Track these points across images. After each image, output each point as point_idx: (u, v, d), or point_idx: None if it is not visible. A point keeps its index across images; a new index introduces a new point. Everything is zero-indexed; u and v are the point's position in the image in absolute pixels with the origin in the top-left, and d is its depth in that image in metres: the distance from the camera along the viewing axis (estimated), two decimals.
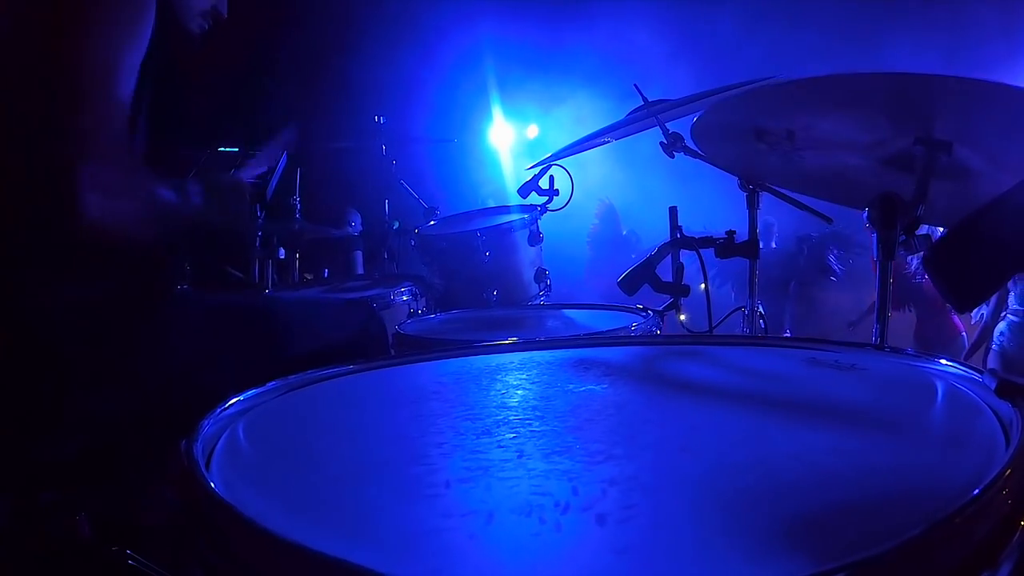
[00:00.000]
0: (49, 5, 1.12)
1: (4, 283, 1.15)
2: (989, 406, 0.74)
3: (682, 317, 1.89)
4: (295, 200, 4.35)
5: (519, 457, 0.68)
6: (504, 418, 0.81)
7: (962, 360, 0.92)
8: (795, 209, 1.84)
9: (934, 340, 4.89)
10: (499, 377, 1.02)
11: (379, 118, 4.15)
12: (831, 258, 5.57)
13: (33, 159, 1.11)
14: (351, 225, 5.05)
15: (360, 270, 4.79)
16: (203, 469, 0.63)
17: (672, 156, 1.91)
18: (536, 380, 0.99)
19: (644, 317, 1.73)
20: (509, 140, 7.46)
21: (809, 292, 5.59)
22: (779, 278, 5.07)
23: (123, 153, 1.18)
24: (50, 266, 1.18)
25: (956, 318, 4.95)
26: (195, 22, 1.39)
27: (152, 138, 1.30)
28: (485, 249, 2.56)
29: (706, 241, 1.81)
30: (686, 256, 1.85)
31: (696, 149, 1.76)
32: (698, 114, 1.55)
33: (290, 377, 1.00)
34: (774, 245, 6.46)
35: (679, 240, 1.82)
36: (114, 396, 1.21)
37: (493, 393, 0.94)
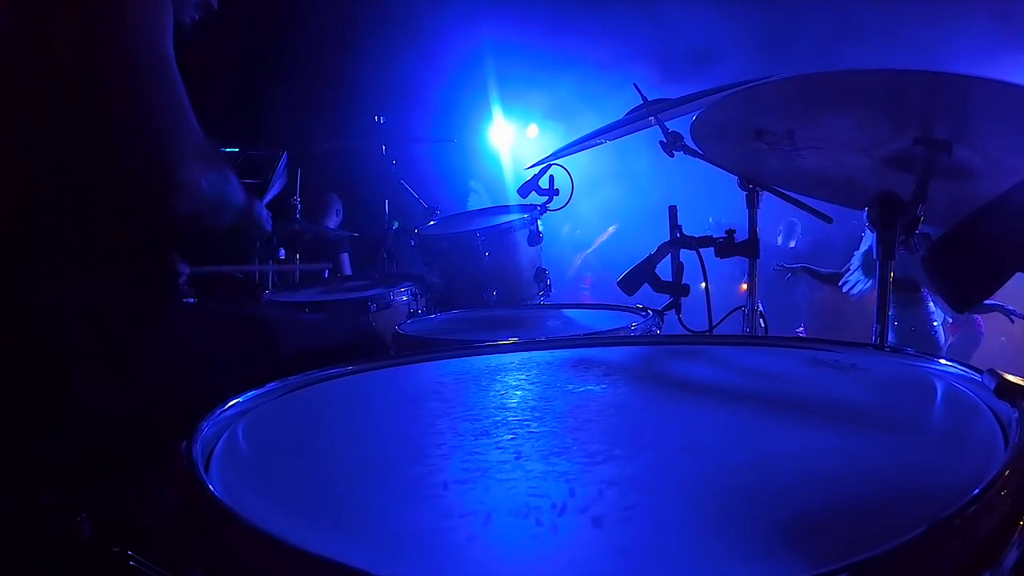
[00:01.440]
0: None
1: (6, 282, 1.15)
2: (988, 406, 0.74)
3: (679, 317, 1.88)
4: (295, 200, 4.35)
5: (517, 458, 0.68)
6: (503, 419, 0.81)
7: None
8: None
9: None
10: (499, 377, 1.02)
11: (379, 118, 4.14)
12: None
13: (125, 133, 1.09)
14: (336, 215, 5.07)
15: (348, 271, 4.81)
16: (202, 470, 0.64)
17: (672, 155, 1.91)
18: (536, 380, 0.99)
19: (644, 317, 1.72)
20: (509, 140, 7.46)
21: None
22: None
23: (199, 130, 1.16)
24: (54, 266, 1.18)
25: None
26: (187, 13, 1.38)
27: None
28: (485, 249, 2.56)
29: (706, 240, 1.81)
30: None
31: (696, 148, 1.76)
32: (697, 113, 1.54)
33: (290, 378, 1.00)
34: (792, 244, 6.49)
35: (679, 240, 1.82)
36: (115, 396, 1.21)
37: (492, 393, 0.94)
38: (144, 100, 1.09)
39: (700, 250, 1.81)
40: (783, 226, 6.67)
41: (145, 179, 1.12)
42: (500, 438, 0.74)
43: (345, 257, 5.00)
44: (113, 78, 1.09)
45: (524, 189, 2.67)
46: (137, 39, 1.10)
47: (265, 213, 1.45)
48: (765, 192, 1.82)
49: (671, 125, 1.94)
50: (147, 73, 1.09)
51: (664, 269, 1.83)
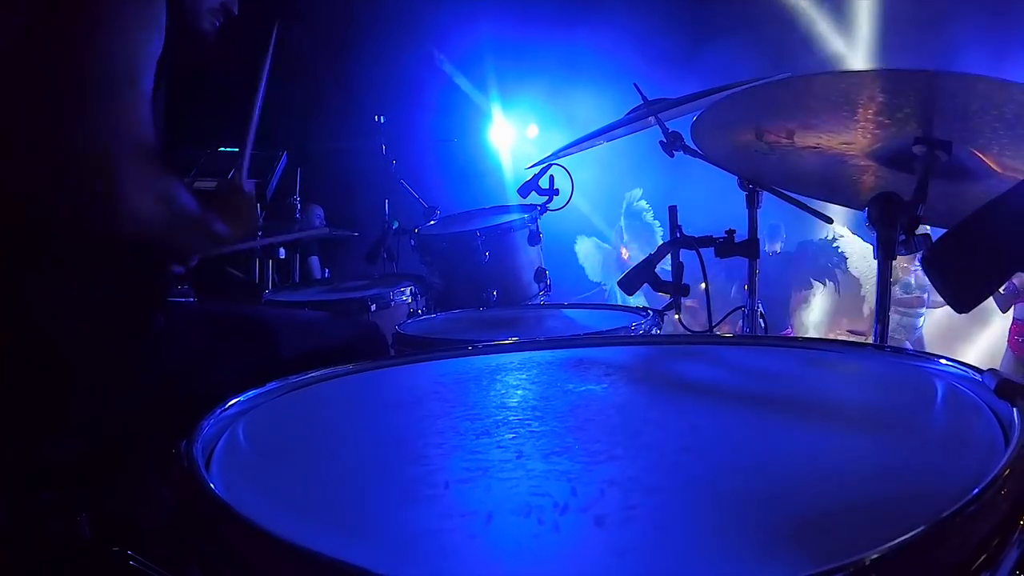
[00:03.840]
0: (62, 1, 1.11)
1: (8, 283, 1.15)
2: (988, 406, 0.74)
3: (677, 316, 1.88)
4: (295, 200, 4.35)
5: (518, 457, 0.68)
6: (504, 418, 0.81)
7: None
8: (797, 212, 1.84)
9: None
10: (499, 377, 1.02)
11: (379, 118, 4.15)
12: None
13: (67, 155, 1.09)
14: (318, 221, 5.08)
15: (317, 274, 4.84)
16: (203, 470, 0.64)
17: (672, 155, 1.91)
18: (536, 380, 0.99)
19: (644, 317, 1.73)
20: (509, 140, 7.46)
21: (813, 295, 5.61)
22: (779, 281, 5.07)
23: (153, 149, 1.16)
24: (54, 266, 1.18)
25: None
26: (206, 20, 1.38)
27: (161, 138, 1.30)
28: (485, 249, 2.56)
29: (706, 240, 1.81)
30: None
31: (696, 148, 1.76)
32: (698, 113, 1.55)
33: (290, 378, 1.00)
34: (778, 249, 6.47)
35: (679, 240, 1.82)
36: (115, 396, 1.21)
37: (493, 393, 0.94)
38: (91, 120, 1.09)
39: (700, 250, 1.81)
40: (766, 230, 6.57)
41: (91, 203, 1.12)
42: (501, 437, 0.74)
43: (314, 260, 5.03)
44: (69, 87, 1.09)
45: (524, 189, 2.67)
46: (99, 50, 1.10)
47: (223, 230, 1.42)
48: (747, 194, 1.82)
49: (671, 125, 1.94)
50: (100, 87, 1.09)
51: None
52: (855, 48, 6.39)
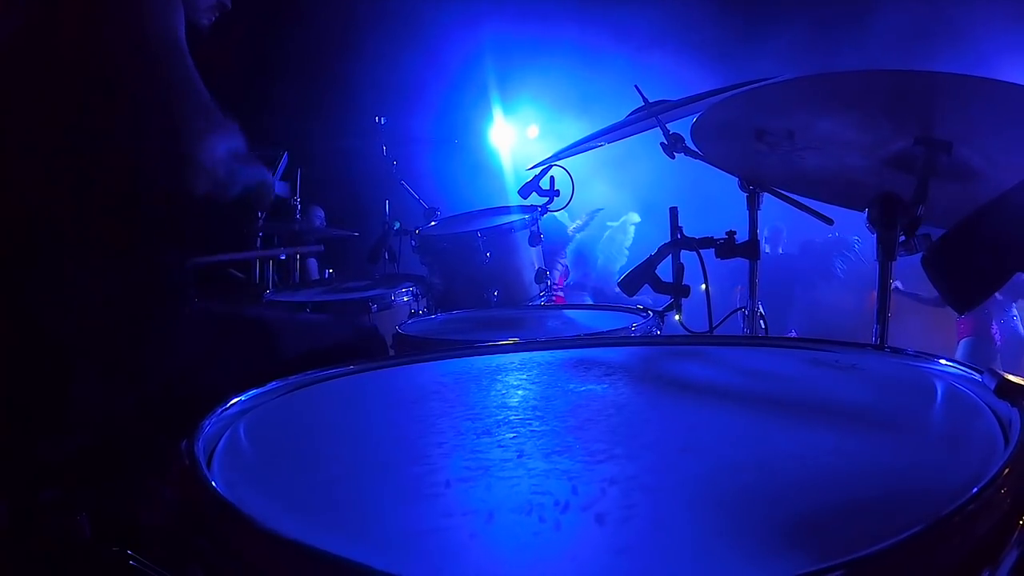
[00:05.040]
0: None
1: (8, 282, 1.15)
2: (988, 406, 0.74)
3: (677, 317, 1.89)
4: (295, 200, 4.35)
5: (519, 457, 0.68)
6: (504, 418, 0.81)
7: None
8: (798, 215, 1.84)
9: None
10: (500, 377, 1.02)
11: (380, 118, 4.15)
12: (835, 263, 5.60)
13: (136, 119, 1.10)
14: (319, 221, 5.09)
15: (315, 275, 4.84)
16: (204, 469, 0.64)
17: (672, 157, 1.91)
18: (536, 380, 1.00)
19: (644, 317, 1.73)
20: (510, 140, 7.46)
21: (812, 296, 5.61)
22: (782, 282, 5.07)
23: (209, 104, 1.17)
24: (57, 266, 1.18)
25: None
26: (204, 16, 1.39)
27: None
28: (486, 249, 2.56)
29: (706, 241, 1.81)
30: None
31: (696, 150, 1.76)
32: (698, 114, 1.55)
33: (291, 377, 1.01)
34: (781, 251, 6.46)
35: (679, 240, 1.82)
36: (117, 395, 1.21)
37: (493, 393, 0.94)
38: (156, 83, 1.10)
39: (700, 251, 1.81)
40: (768, 233, 6.52)
41: (160, 162, 1.12)
42: (502, 437, 0.74)
43: (312, 262, 5.03)
44: (123, 62, 1.09)
45: (525, 190, 2.67)
46: (148, 23, 1.10)
47: (274, 181, 1.45)
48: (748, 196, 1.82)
49: (672, 127, 1.94)
50: (159, 55, 1.10)
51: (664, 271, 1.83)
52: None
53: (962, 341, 5.38)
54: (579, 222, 5.85)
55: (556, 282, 4.89)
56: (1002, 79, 1.05)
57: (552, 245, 4.78)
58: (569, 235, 5.20)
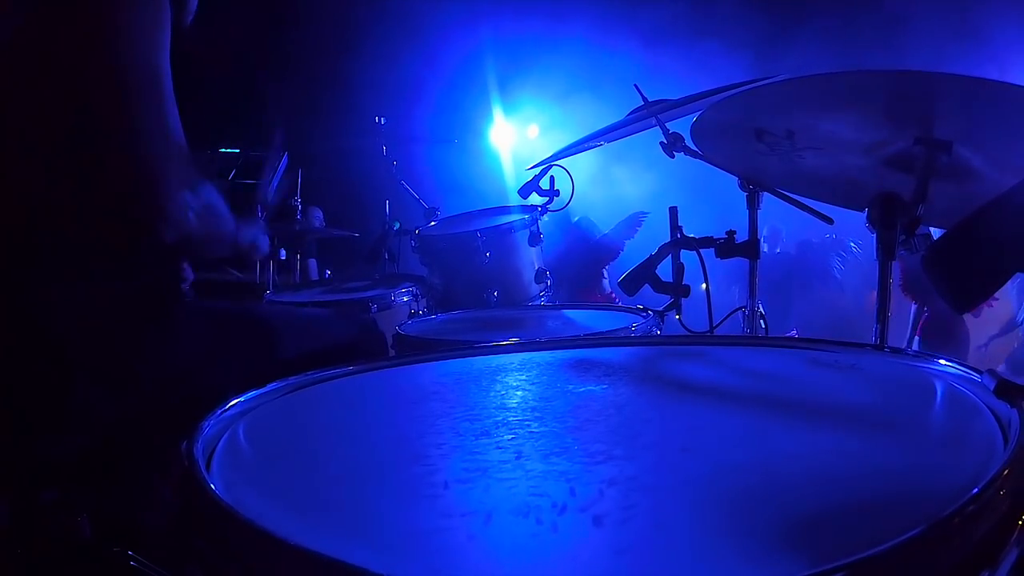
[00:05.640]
0: (79, 8, 1.10)
1: (11, 282, 1.15)
2: (987, 406, 0.74)
3: (677, 317, 1.89)
4: (296, 200, 4.36)
5: (517, 458, 0.68)
6: (503, 419, 0.81)
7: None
8: (796, 215, 1.84)
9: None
10: (499, 378, 1.02)
11: (380, 118, 4.15)
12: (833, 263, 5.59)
13: (110, 159, 1.08)
14: (317, 222, 5.10)
15: (315, 276, 4.85)
16: (203, 470, 0.64)
17: (672, 156, 1.91)
18: (536, 381, 1.00)
19: (644, 317, 1.73)
20: (510, 140, 7.46)
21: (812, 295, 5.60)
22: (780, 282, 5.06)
23: (184, 150, 1.16)
24: (57, 266, 1.18)
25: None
26: (190, 16, 1.38)
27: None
28: (485, 249, 2.56)
29: (706, 241, 1.81)
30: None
31: (696, 149, 1.76)
32: (698, 114, 1.55)
33: (290, 378, 1.01)
34: (779, 251, 6.45)
35: (679, 240, 1.82)
36: (116, 396, 1.21)
37: (493, 394, 0.94)
38: (133, 124, 1.09)
39: (700, 251, 1.81)
40: (767, 233, 6.50)
41: (135, 206, 1.11)
42: (500, 438, 0.74)
43: (312, 263, 5.04)
44: (103, 95, 1.08)
45: (525, 190, 2.68)
46: (127, 54, 1.09)
47: (258, 235, 1.43)
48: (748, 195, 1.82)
49: (672, 126, 1.94)
50: (136, 92, 1.09)
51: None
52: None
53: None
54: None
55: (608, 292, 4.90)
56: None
57: (600, 254, 4.81)
58: (620, 245, 5.11)
